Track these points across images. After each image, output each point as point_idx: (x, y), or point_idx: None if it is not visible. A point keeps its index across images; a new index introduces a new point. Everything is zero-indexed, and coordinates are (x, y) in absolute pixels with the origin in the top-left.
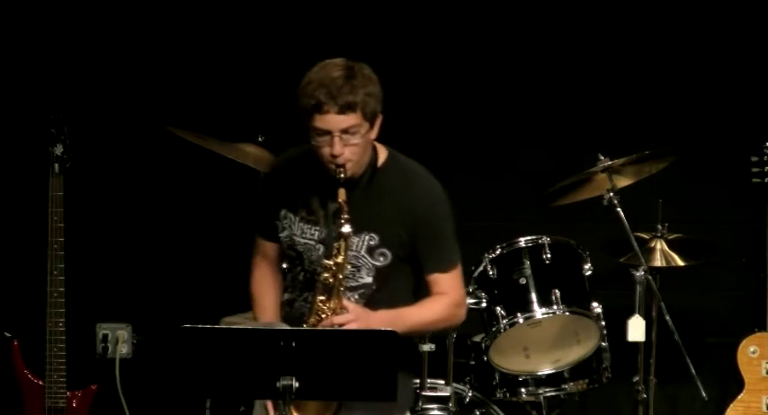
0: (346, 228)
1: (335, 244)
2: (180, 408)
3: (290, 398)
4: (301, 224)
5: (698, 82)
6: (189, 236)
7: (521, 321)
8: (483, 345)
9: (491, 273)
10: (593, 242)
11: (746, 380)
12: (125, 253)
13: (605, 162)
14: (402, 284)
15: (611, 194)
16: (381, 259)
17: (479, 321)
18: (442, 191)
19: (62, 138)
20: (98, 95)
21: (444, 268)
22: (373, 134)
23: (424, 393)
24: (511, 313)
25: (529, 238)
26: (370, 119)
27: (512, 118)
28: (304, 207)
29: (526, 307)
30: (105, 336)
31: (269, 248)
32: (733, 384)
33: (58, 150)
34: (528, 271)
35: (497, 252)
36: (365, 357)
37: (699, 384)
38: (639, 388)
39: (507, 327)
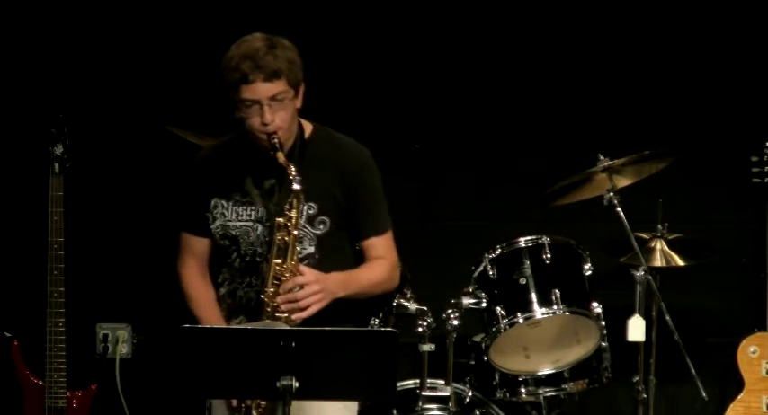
0: (296, 185)
1: (287, 201)
2: (180, 408)
3: (290, 398)
4: (236, 207)
5: (698, 82)
6: None
7: (521, 321)
8: (483, 345)
9: (491, 273)
10: (593, 242)
11: (746, 380)
12: (125, 253)
13: (605, 162)
14: (342, 252)
15: (611, 194)
16: (321, 227)
17: (479, 321)
18: (370, 157)
19: (62, 138)
20: (98, 95)
21: (379, 231)
22: (298, 102)
23: (424, 393)
24: (511, 313)
25: (529, 238)
26: (295, 87)
27: (512, 118)
28: (237, 191)
29: (526, 307)
30: (105, 336)
31: (197, 244)
32: (733, 384)
33: (58, 150)
34: (528, 271)
35: (497, 252)
36: (365, 357)
37: (699, 384)
38: (639, 388)
39: (507, 327)
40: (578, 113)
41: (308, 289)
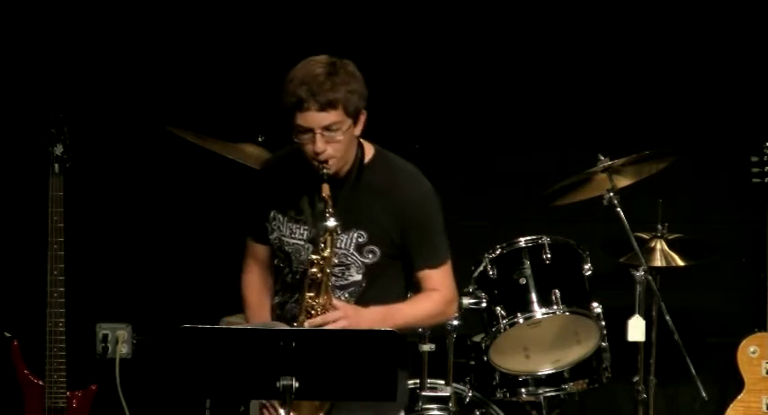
0: (331, 222)
1: (321, 239)
2: (180, 408)
3: (290, 398)
4: (290, 224)
5: (698, 81)
6: (189, 236)
7: (521, 321)
8: (483, 345)
9: (491, 273)
10: (593, 242)
11: (746, 380)
12: (125, 253)
13: (605, 162)
14: (393, 281)
15: (611, 194)
16: (370, 256)
17: (479, 321)
18: (430, 187)
19: (62, 138)
20: (98, 95)
21: (434, 263)
22: (357, 130)
23: (424, 393)
24: (511, 313)
25: (529, 238)
26: (353, 116)
27: (512, 118)
28: (292, 207)
29: (526, 307)
30: (105, 336)
31: (260, 250)
32: (733, 384)
33: (58, 150)
34: (528, 271)
35: (497, 252)
36: (365, 357)
37: (699, 384)
38: (639, 388)
39: (507, 327)
40: (578, 113)
41: (336, 325)
